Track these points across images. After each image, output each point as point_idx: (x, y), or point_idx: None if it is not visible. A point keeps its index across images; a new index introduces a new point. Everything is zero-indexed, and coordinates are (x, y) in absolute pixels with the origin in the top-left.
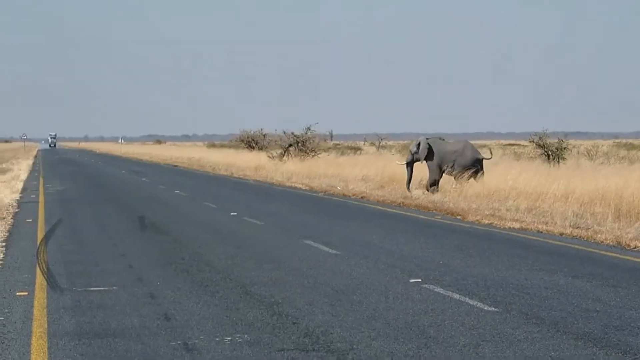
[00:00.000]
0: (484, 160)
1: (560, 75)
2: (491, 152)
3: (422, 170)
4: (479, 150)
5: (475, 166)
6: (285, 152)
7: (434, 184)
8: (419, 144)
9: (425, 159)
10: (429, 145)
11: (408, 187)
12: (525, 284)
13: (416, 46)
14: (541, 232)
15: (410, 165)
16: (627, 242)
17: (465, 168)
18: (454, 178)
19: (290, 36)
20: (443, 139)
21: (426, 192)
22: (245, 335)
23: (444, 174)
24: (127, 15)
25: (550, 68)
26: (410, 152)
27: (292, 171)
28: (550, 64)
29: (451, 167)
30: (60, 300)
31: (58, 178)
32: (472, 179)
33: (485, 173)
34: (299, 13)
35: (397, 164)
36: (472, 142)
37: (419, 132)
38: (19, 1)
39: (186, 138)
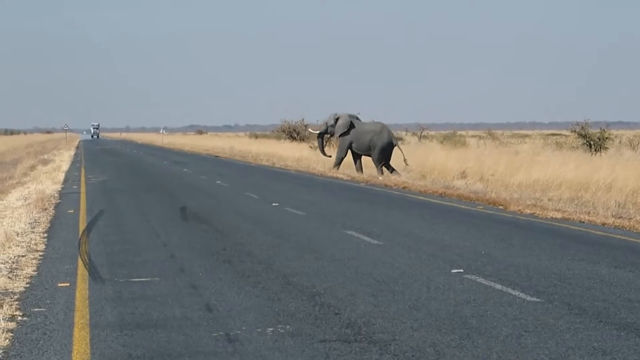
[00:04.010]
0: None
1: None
2: (406, 162)
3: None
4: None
5: (389, 151)
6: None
7: (339, 162)
8: (337, 119)
9: (339, 136)
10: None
11: (323, 153)
12: (567, 274)
13: (458, 35)
14: (583, 222)
15: (321, 136)
16: None
17: (382, 151)
18: (373, 162)
19: (332, 24)
20: (359, 119)
21: (333, 169)
22: (287, 326)
23: (362, 157)
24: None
25: (592, 56)
26: (326, 123)
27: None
28: (593, 52)
29: (367, 148)
30: (102, 291)
31: (100, 168)
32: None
33: (529, 164)
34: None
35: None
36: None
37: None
38: None
39: (228, 128)
